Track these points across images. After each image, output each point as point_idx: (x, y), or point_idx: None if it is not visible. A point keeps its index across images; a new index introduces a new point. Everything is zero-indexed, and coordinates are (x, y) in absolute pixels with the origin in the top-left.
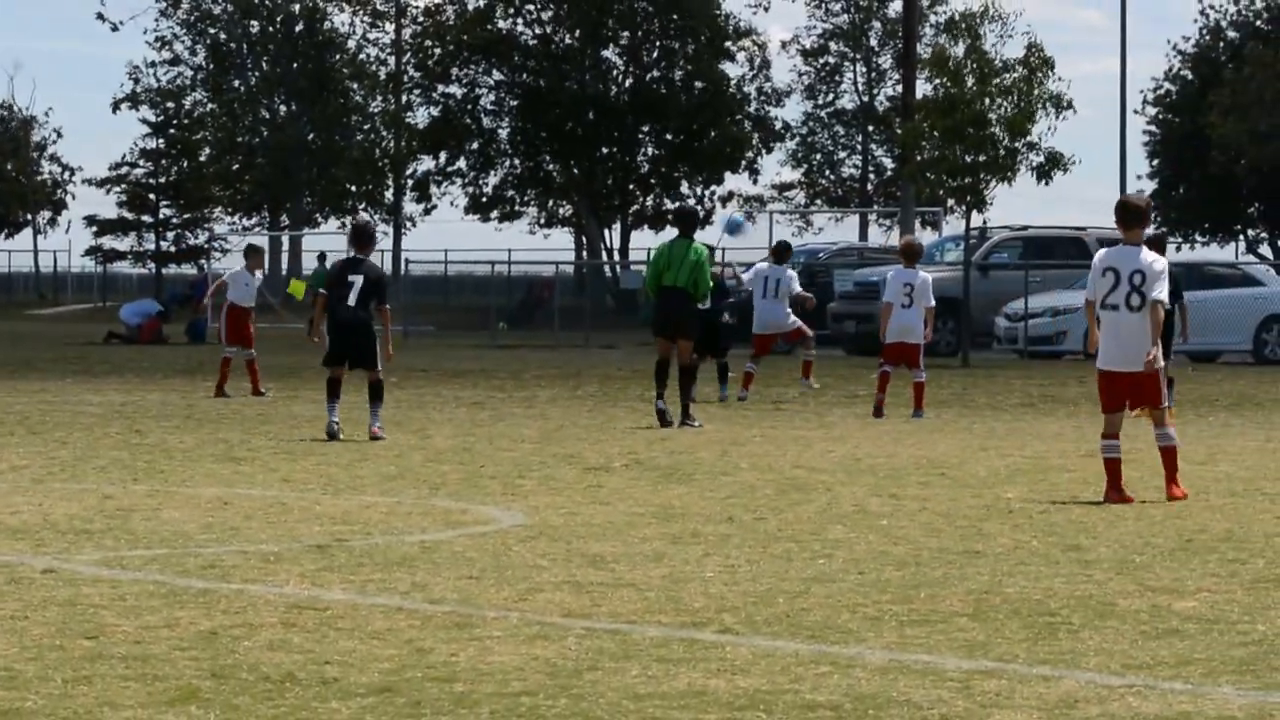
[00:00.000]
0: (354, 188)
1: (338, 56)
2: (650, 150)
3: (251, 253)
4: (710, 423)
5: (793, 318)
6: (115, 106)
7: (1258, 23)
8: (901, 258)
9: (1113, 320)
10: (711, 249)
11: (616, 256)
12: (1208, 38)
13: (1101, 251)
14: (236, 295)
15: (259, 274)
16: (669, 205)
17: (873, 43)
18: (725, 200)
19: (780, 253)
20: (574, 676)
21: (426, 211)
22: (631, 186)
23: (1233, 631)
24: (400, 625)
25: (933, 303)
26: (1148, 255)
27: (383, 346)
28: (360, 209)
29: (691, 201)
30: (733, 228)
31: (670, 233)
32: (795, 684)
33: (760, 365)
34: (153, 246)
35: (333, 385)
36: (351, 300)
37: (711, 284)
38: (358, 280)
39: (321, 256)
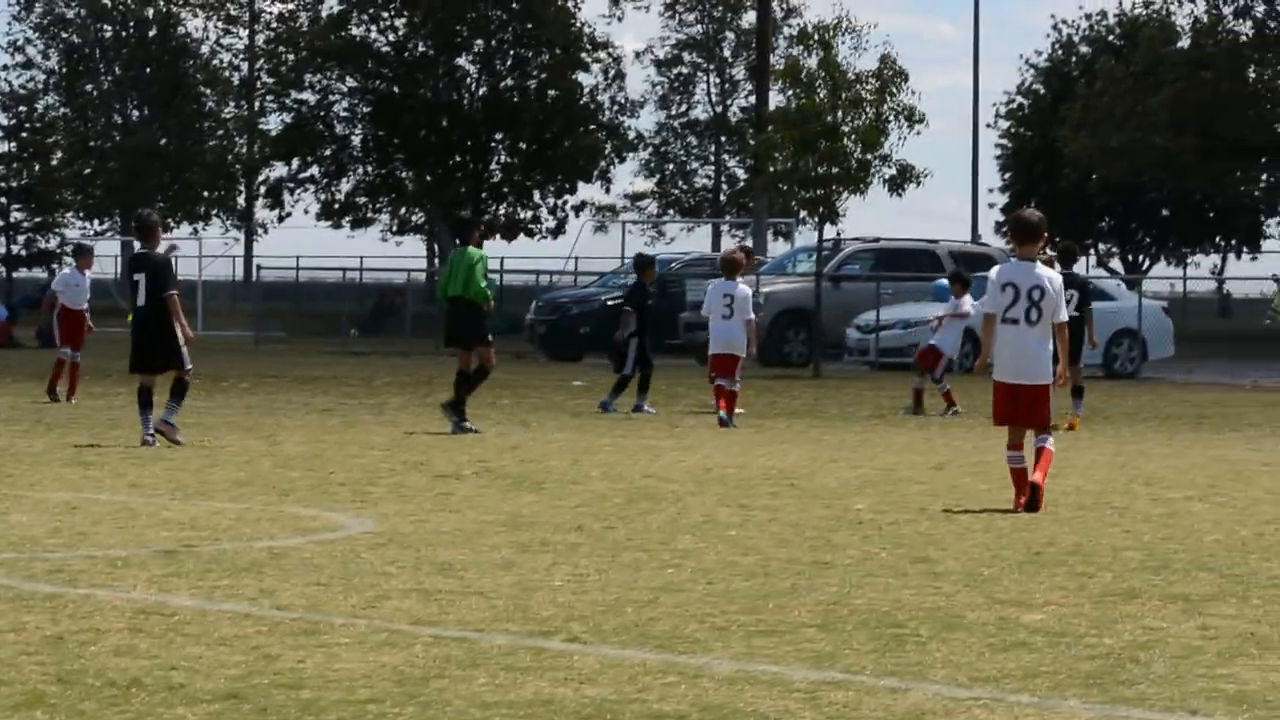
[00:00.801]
0: (206, 193)
1: (191, 62)
2: (503, 159)
3: (80, 253)
4: (561, 432)
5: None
6: None
7: (1110, 37)
8: (722, 269)
9: (1012, 335)
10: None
11: None
12: (1060, 52)
13: (998, 267)
14: (67, 297)
15: (88, 274)
16: (522, 214)
17: (726, 53)
18: (578, 209)
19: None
20: (421, 684)
21: (280, 219)
22: (484, 195)
23: (1080, 645)
24: (248, 631)
25: (752, 315)
26: (1044, 271)
27: (182, 333)
28: (213, 215)
29: (545, 211)
30: None
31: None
32: (642, 693)
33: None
34: (2, 250)
35: (143, 394)
36: (141, 300)
37: (486, 285)
38: (141, 278)
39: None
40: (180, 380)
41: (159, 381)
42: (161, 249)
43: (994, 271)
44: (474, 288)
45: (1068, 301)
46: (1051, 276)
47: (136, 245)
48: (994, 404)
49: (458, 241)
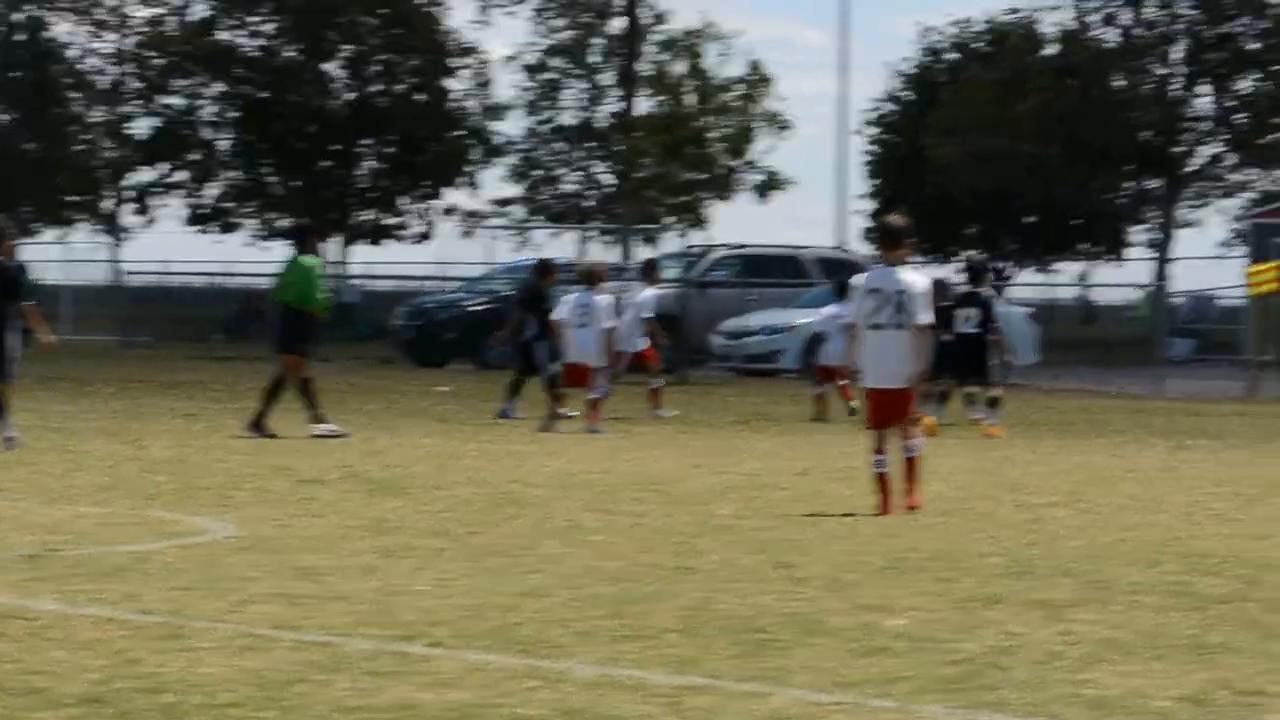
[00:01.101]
0: (73, 198)
1: (59, 66)
2: (371, 164)
3: None
4: (427, 437)
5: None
6: None
7: (976, 45)
8: (583, 280)
9: (878, 339)
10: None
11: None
12: (927, 59)
13: (864, 274)
14: None
15: None
16: (389, 219)
17: (594, 59)
18: (445, 214)
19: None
20: (283, 688)
21: (147, 223)
22: (351, 200)
23: (941, 650)
24: (110, 635)
25: (605, 324)
26: (909, 275)
27: (39, 339)
28: (80, 219)
29: (412, 216)
30: None
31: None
32: (505, 698)
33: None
34: None
35: None
36: None
37: (325, 294)
38: None
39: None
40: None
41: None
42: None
43: (859, 279)
44: (308, 297)
45: (967, 319)
46: (915, 281)
47: None
48: (867, 410)
49: (294, 247)
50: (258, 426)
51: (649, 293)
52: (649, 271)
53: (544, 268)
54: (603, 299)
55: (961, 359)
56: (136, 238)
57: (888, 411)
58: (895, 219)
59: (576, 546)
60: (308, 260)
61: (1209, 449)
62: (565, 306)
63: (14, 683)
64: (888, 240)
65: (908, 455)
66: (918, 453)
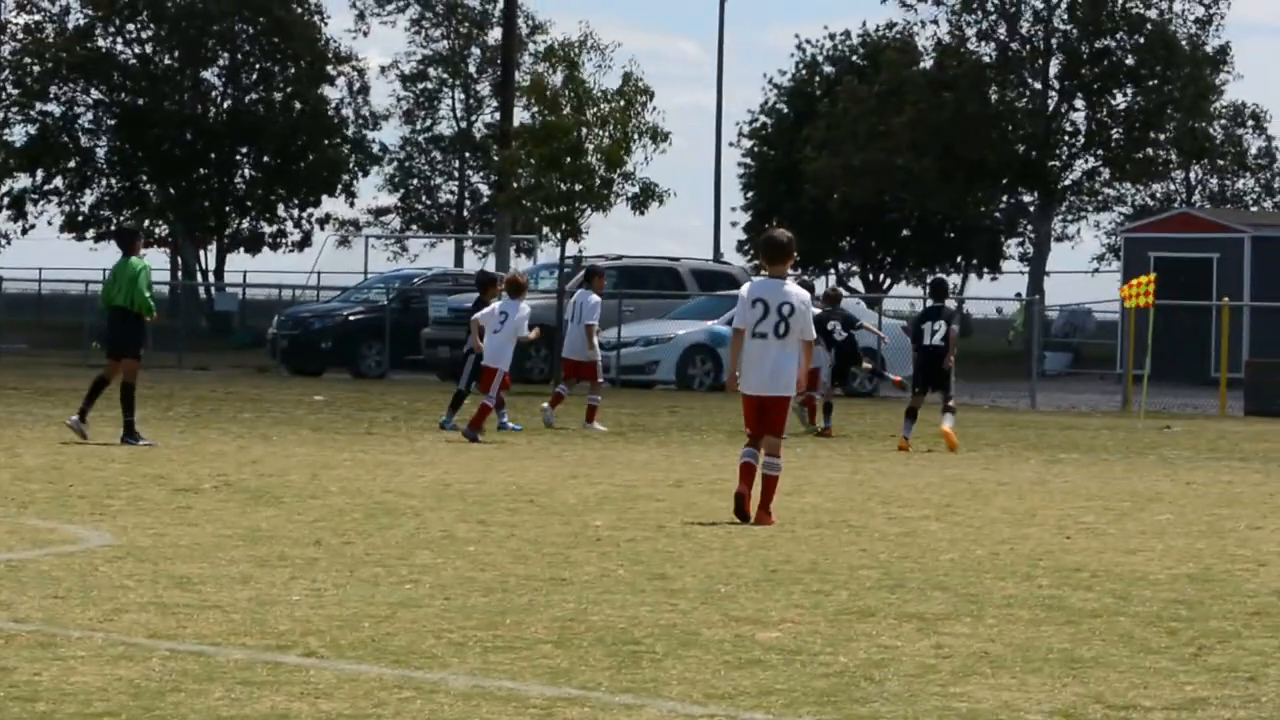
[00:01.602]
0: None
1: None
2: (248, 172)
3: None
4: (302, 446)
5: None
6: None
7: (853, 57)
8: (505, 290)
9: (761, 348)
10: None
11: (211, 278)
12: (804, 72)
13: (749, 283)
14: None
15: None
16: (267, 228)
17: (472, 69)
18: (323, 223)
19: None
20: (157, 698)
21: (23, 230)
22: (228, 208)
23: (815, 662)
24: None
25: (524, 333)
26: (792, 288)
27: None
28: None
29: (289, 224)
30: None
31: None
32: (378, 708)
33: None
34: None
35: None
36: None
37: (150, 297)
38: None
39: None
40: None
41: None
42: None
43: (745, 288)
44: (139, 299)
45: (934, 333)
46: (800, 294)
47: None
48: (745, 416)
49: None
50: (130, 434)
51: (593, 299)
52: (591, 278)
53: (486, 279)
54: (523, 309)
55: (928, 370)
56: (12, 244)
57: (764, 418)
58: (780, 233)
59: (451, 557)
60: (136, 263)
61: (1082, 463)
62: (488, 314)
63: None
64: (774, 253)
65: (766, 473)
66: (776, 472)
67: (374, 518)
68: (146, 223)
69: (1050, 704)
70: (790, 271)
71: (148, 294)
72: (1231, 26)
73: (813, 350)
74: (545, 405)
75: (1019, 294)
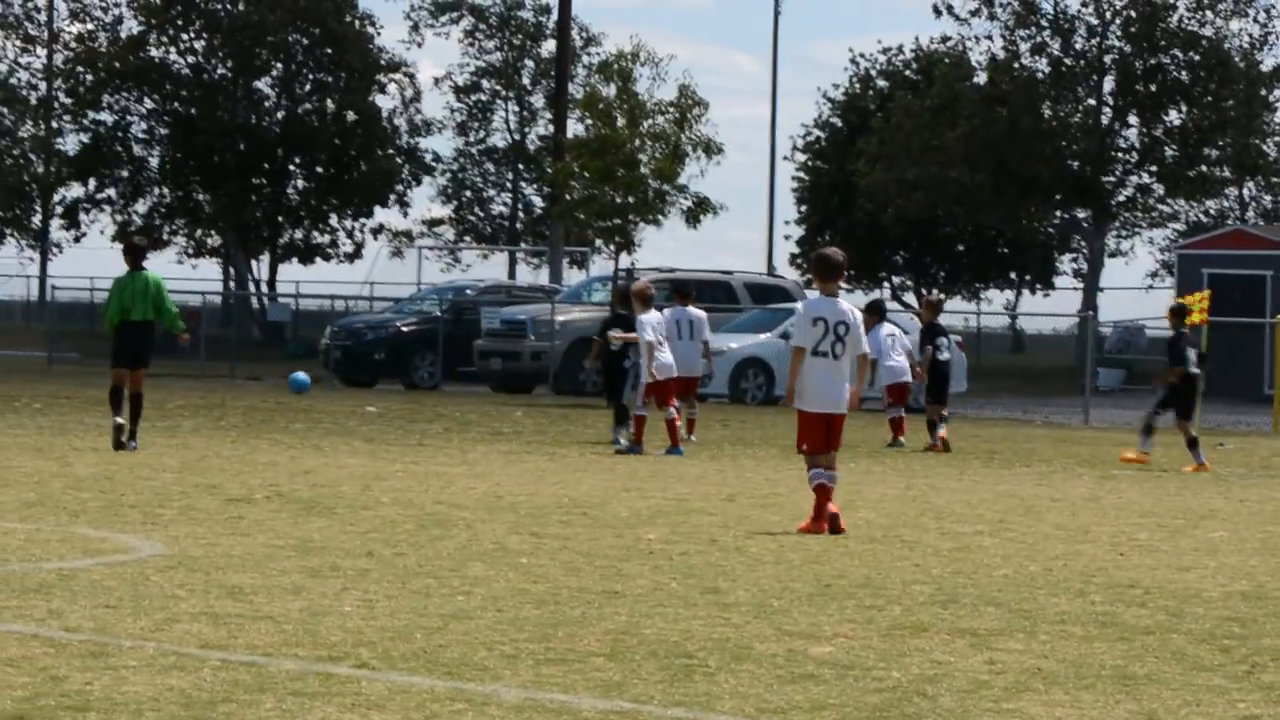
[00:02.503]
0: (2, 213)
1: None
2: (300, 182)
3: None
4: (354, 457)
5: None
6: None
7: (906, 72)
8: (636, 300)
9: (824, 366)
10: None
11: (264, 288)
12: (857, 86)
13: (805, 302)
14: None
15: None
16: (319, 238)
17: (525, 81)
18: (376, 233)
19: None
20: (209, 708)
21: (76, 239)
22: (280, 218)
23: (868, 677)
24: (35, 653)
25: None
26: (847, 306)
27: None
28: (8, 234)
29: (342, 235)
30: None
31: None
32: None
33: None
34: None
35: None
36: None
37: (177, 309)
38: None
39: None
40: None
41: None
42: None
43: (802, 306)
44: (169, 319)
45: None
46: (854, 310)
47: None
48: (805, 432)
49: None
50: (133, 437)
51: (700, 314)
52: (684, 295)
53: (623, 293)
54: (652, 318)
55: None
56: (64, 253)
57: (831, 434)
58: (833, 251)
59: (503, 569)
60: (154, 277)
61: (1135, 479)
62: (662, 323)
63: None
64: (828, 271)
65: (822, 482)
66: (835, 483)
67: (426, 529)
68: (199, 232)
69: None
70: (843, 287)
71: (175, 310)
72: None
73: (868, 365)
74: (686, 436)
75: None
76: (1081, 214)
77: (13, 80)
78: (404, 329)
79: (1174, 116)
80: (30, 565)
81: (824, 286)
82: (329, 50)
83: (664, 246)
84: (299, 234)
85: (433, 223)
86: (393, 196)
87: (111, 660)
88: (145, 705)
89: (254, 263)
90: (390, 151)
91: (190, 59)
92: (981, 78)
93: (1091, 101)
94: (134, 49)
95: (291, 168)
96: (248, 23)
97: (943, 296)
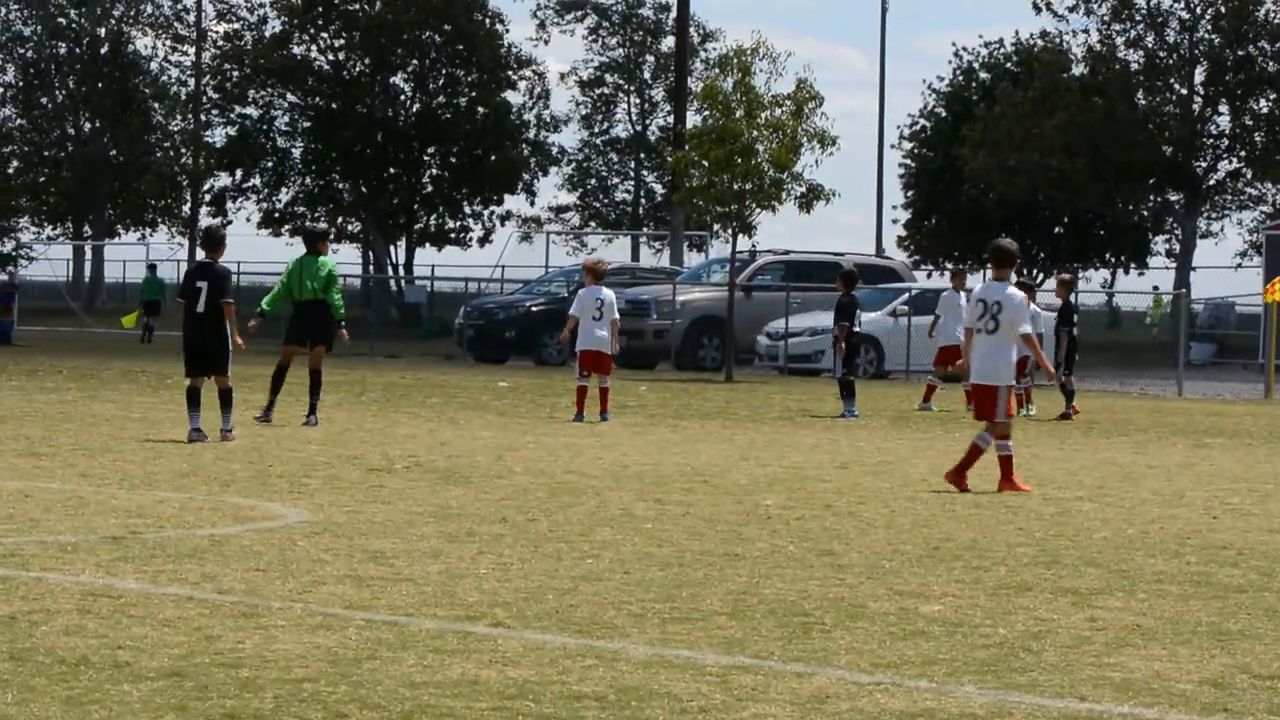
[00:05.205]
0: (154, 202)
1: (140, 78)
2: (434, 172)
3: None
4: (487, 429)
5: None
6: None
7: (1007, 64)
8: (587, 276)
9: (979, 342)
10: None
11: (401, 272)
12: (961, 78)
13: (978, 286)
14: None
15: None
16: (452, 224)
17: (646, 76)
18: (504, 219)
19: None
20: (354, 665)
21: (223, 226)
22: (416, 206)
23: (975, 634)
24: (190, 614)
25: (616, 316)
26: (1009, 289)
27: (231, 338)
28: (160, 222)
29: (473, 221)
30: None
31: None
32: (563, 675)
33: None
34: None
35: (192, 394)
36: (200, 308)
37: (342, 302)
38: (204, 286)
39: (152, 267)
40: (226, 390)
41: (205, 383)
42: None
43: (975, 289)
44: (333, 303)
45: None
46: (1014, 293)
47: (200, 254)
48: (974, 402)
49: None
50: (312, 413)
51: (609, 294)
52: (849, 282)
53: (848, 277)
54: (610, 294)
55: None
56: None
57: (984, 404)
58: (1008, 242)
59: (630, 534)
60: (327, 262)
61: (1226, 447)
62: (578, 301)
63: (100, 657)
64: (1000, 259)
65: (1000, 453)
66: (1008, 451)
67: (556, 496)
68: (340, 219)
69: (1199, 674)
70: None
71: (339, 298)
72: None
73: (1034, 341)
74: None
75: (1156, 287)
76: (1174, 197)
77: (164, 78)
78: (533, 309)
79: (1262, 105)
80: (184, 532)
81: (996, 272)
82: (460, 47)
83: (777, 230)
84: (433, 220)
85: (560, 209)
86: (520, 185)
87: (262, 620)
88: (294, 662)
89: (392, 248)
90: (519, 143)
91: (330, 56)
92: (1079, 69)
93: (1183, 91)
94: (277, 47)
95: (426, 158)
96: (384, 22)
97: (1073, 276)
